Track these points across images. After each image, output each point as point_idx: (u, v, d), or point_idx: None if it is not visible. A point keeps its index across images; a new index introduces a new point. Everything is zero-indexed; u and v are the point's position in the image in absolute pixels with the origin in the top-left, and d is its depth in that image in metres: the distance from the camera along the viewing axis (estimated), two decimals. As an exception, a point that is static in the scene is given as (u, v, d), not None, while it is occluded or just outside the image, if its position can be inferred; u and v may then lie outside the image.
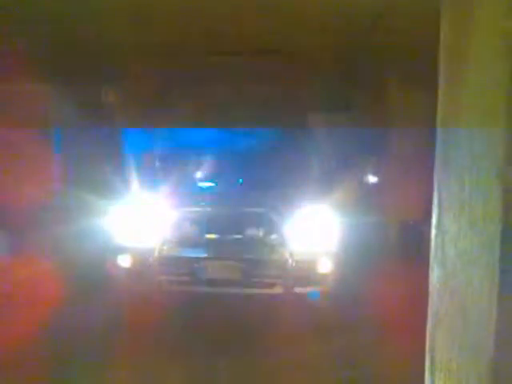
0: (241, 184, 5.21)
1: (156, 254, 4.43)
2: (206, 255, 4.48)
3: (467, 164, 1.45)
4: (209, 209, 4.73)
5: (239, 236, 4.50)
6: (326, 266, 4.46)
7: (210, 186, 5.34)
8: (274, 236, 4.50)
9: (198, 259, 4.47)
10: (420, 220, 6.23)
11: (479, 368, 1.37)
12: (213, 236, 4.56)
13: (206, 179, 5.38)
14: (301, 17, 4.48)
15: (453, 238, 1.55)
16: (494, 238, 1.27)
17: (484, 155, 1.35)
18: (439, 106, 1.65)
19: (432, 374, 1.70)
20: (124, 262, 4.51)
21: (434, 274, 1.72)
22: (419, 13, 4.09)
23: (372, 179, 6.35)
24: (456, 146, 1.51)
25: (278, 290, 4.36)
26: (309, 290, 4.37)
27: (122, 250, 4.54)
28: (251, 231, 4.52)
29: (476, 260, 1.39)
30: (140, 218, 4.63)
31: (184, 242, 4.54)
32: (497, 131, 1.30)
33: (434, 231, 1.72)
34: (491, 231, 1.29)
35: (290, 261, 4.37)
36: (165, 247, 4.47)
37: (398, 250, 6.06)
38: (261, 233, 4.52)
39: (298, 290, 4.35)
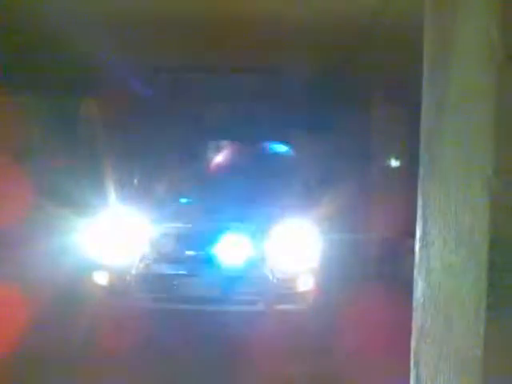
0: (221, 198, 5.15)
1: (134, 270, 4.34)
2: (185, 272, 4.41)
3: (453, 175, 1.42)
4: (188, 224, 4.67)
5: (220, 252, 4.43)
6: (307, 283, 4.42)
7: (190, 202, 5.27)
8: (255, 253, 4.45)
9: (177, 276, 4.39)
10: (401, 234, 6.26)
11: (467, 382, 1.34)
12: (192, 252, 4.49)
13: (186, 194, 5.32)
14: (287, 35, 4.52)
15: (438, 250, 1.52)
16: (482, 250, 1.24)
17: (471, 166, 1.33)
18: (423, 117, 1.63)
19: (417, 390, 1.66)
20: (100, 279, 4.41)
21: (418, 288, 1.69)
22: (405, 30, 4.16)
23: (354, 196, 6.36)
24: (441, 156, 1.49)
25: (259, 307, 4.30)
26: (290, 307, 4.32)
27: (98, 267, 4.44)
28: (232, 247, 4.47)
29: (463, 272, 1.36)
30: (118, 234, 4.54)
31: (163, 258, 4.46)
32: (483, 141, 1.29)
33: (418, 244, 1.69)
34: (479, 243, 1.27)
35: (271, 278, 4.32)
36: (143, 264, 4.39)
37: (379, 266, 6.05)
38: (242, 249, 4.46)
39: (279, 307, 4.29)
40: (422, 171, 1.66)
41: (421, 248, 1.66)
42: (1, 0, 3.78)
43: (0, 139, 5.43)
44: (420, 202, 1.67)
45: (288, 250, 4.50)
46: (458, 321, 1.39)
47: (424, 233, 1.64)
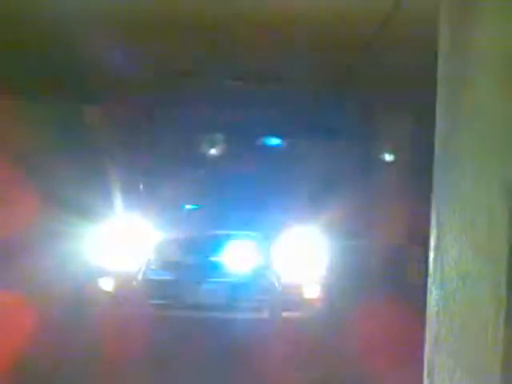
0: (226, 206, 5.14)
1: (140, 277, 4.33)
2: (191, 279, 4.39)
3: (469, 181, 1.41)
4: (194, 231, 4.65)
5: (225, 259, 4.42)
6: (313, 291, 4.40)
7: (196, 209, 5.27)
8: (260, 259, 4.44)
9: (182, 283, 4.38)
10: (407, 243, 6.24)
11: (484, 394, 1.32)
12: (198, 259, 4.48)
13: (191, 201, 5.31)
14: (292, 41, 4.51)
15: (453, 259, 1.50)
16: (501, 258, 1.22)
17: (488, 171, 1.31)
18: (438, 121, 1.62)
19: (431, 400, 1.64)
20: (106, 285, 4.39)
21: (433, 297, 1.67)
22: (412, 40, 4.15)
23: (359, 204, 6.35)
24: (457, 162, 1.48)
25: (264, 314, 4.28)
26: (296, 314, 4.30)
27: (103, 273, 4.43)
28: (237, 254, 4.45)
29: (480, 282, 1.34)
30: (123, 241, 4.53)
31: (169, 265, 4.45)
32: (502, 145, 1.27)
33: (432, 253, 1.67)
34: (497, 252, 1.25)
35: (276, 285, 4.30)
36: (148, 270, 4.37)
37: (385, 274, 6.03)
38: (247, 256, 4.45)
39: (285, 314, 4.27)
40: (436, 177, 1.64)
41: (435, 257, 1.64)
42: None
43: (5, 144, 5.43)
44: (434, 210, 1.65)
45: (294, 257, 4.49)
46: (475, 331, 1.37)
47: (438, 241, 1.62)
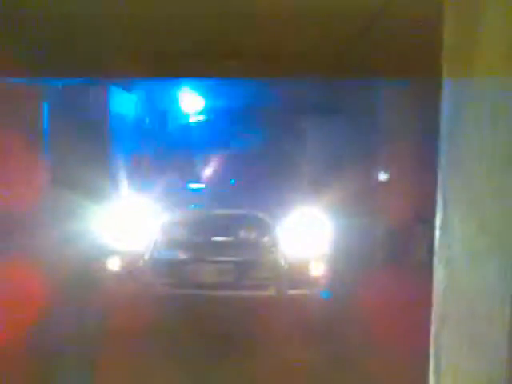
0: (232, 185, 5.14)
1: (146, 256, 4.36)
2: (197, 258, 4.42)
3: (475, 159, 1.41)
4: (200, 211, 4.67)
5: (231, 238, 4.44)
6: (319, 268, 4.42)
7: (201, 188, 5.27)
8: (266, 238, 4.45)
9: (189, 262, 4.41)
10: (411, 220, 6.24)
11: (491, 372, 1.33)
12: (204, 238, 4.50)
13: (196, 181, 5.31)
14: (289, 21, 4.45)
15: (460, 238, 1.51)
16: (509, 236, 1.23)
17: (494, 151, 1.31)
18: (443, 102, 1.61)
19: (438, 378, 1.65)
20: (114, 265, 4.43)
21: (439, 274, 1.68)
22: (415, 16, 4.09)
23: (364, 181, 6.33)
24: (463, 143, 1.47)
25: (271, 292, 4.31)
26: (302, 292, 4.33)
27: (111, 253, 4.46)
28: (243, 233, 4.47)
29: (487, 260, 1.35)
30: (130, 220, 4.56)
31: (175, 244, 4.47)
32: (508, 127, 1.27)
33: (438, 232, 1.67)
34: (504, 230, 1.25)
35: (282, 263, 4.32)
36: (155, 250, 4.40)
37: (389, 251, 6.05)
38: (253, 235, 4.47)
39: (291, 292, 4.30)
40: (441, 157, 1.64)
41: (441, 235, 1.65)
42: None
43: (17, 128, 5.44)
44: (440, 189, 1.65)
45: (299, 235, 4.50)
46: (482, 307, 1.38)
47: (444, 219, 1.62)
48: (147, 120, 6.58)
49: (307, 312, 4.16)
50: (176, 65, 5.40)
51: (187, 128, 5.97)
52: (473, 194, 1.42)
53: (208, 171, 5.32)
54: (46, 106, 5.73)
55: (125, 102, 6.83)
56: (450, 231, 1.59)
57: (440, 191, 1.66)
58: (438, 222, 1.68)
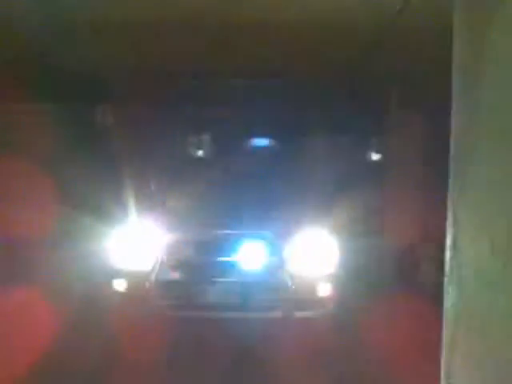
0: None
1: (153, 277, 4.33)
2: (203, 279, 4.39)
3: (487, 179, 1.39)
4: (206, 231, 4.65)
5: (238, 259, 4.41)
6: (326, 290, 4.38)
7: (208, 209, 5.24)
8: (273, 259, 4.43)
9: (195, 283, 4.38)
10: (418, 242, 6.20)
11: (505, 396, 1.30)
12: (211, 259, 4.48)
13: (203, 202, 5.29)
14: (300, 41, 4.51)
15: (471, 259, 1.49)
16: (521, 258, 1.21)
17: (506, 171, 1.30)
18: (453, 120, 1.60)
19: (449, 402, 1.62)
20: (120, 286, 4.41)
21: (449, 297, 1.66)
22: (422, 36, 4.14)
23: (371, 202, 6.31)
24: (474, 162, 1.46)
25: (277, 313, 4.27)
26: (309, 314, 4.28)
27: (117, 274, 4.44)
28: (250, 254, 4.44)
29: (498, 282, 1.33)
30: (136, 241, 4.54)
31: (182, 265, 4.45)
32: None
33: (448, 253, 1.66)
34: (516, 251, 1.24)
35: (289, 284, 4.29)
36: (162, 271, 4.38)
37: (396, 273, 6.00)
38: (260, 256, 4.44)
39: (298, 313, 4.26)
40: (452, 177, 1.63)
41: (452, 256, 1.63)
42: None
43: (21, 147, 5.49)
44: (450, 209, 1.64)
45: (306, 256, 4.47)
46: (494, 330, 1.36)
47: (455, 240, 1.61)
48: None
49: (314, 335, 4.10)
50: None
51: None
52: (483, 216, 1.41)
53: (216, 192, 5.26)
54: (57, 128, 5.77)
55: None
56: (461, 252, 1.57)
57: (450, 212, 1.65)
58: (448, 243, 1.67)
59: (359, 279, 4.93)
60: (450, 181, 1.62)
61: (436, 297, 1.97)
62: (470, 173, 1.48)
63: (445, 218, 1.68)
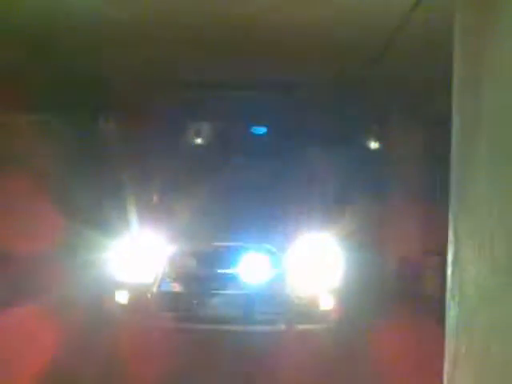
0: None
1: (154, 290, 4.33)
2: (204, 291, 4.38)
3: (487, 197, 1.39)
4: (208, 243, 4.65)
5: (240, 272, 4.40)
6: (328, 302, 4.36)
7: (209, 221, 5.23)
8: (275, 271, 4.41)
9: (196, 295, 4.37)
10: (420, 256, 6.18)
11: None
12: (212, 271, 4.47)
13: (204, 214, 5.28)
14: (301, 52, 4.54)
15: (472, 276, 1.48)
16: (522, 276, 1.20)
17: (507, 188, 1.29)
18: (454, 136, 1.61)
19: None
20: (122, 298, 4.40)
21: (451, 313, 1.65)
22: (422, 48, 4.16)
23: (372, 215, 6.30)
24: (475, 178, 1.46)
25: (279, 326, 4.25)
26: (312, 327, 4.26)
27: (119, 286, 4.43)
28: (252, 266, 4.43)
29: (500, 299, 1.32)
30: (138, 254, 4.54)
31: (183, 277, 4.44)
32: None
33: (450, 268, 1.65)
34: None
35: (292, 296, 4.27)
36: (163, 283, 4.37)
37: (398, 286, 5.97)
38: (262, 268, 4.43)
39: (300, 327, 4.23)
40: (452, 194, 1.63)
41: (453, 272, 1.62)
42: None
43: (21, 159, 5.51)
44: (451, 226, 1.63)
45: (309, 268, 4.46)
46: (497, 347, 1.35)
47: (456, 257, 1.61)
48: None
49: (316, 349, 4.07)
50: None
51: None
52: (484, 233, 1.40)
53: (217, 204, 5.26)
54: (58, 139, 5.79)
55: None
56: (463, 269, 1.57)
57: (451, 230, 1.65)
58: (449, 259, 1.66)
59: (363, 292, 4.90)
60: (451, 193, 1.62)
61: (438, 310, 1.95)
62: (470, 190, 1.48)
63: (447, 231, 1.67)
